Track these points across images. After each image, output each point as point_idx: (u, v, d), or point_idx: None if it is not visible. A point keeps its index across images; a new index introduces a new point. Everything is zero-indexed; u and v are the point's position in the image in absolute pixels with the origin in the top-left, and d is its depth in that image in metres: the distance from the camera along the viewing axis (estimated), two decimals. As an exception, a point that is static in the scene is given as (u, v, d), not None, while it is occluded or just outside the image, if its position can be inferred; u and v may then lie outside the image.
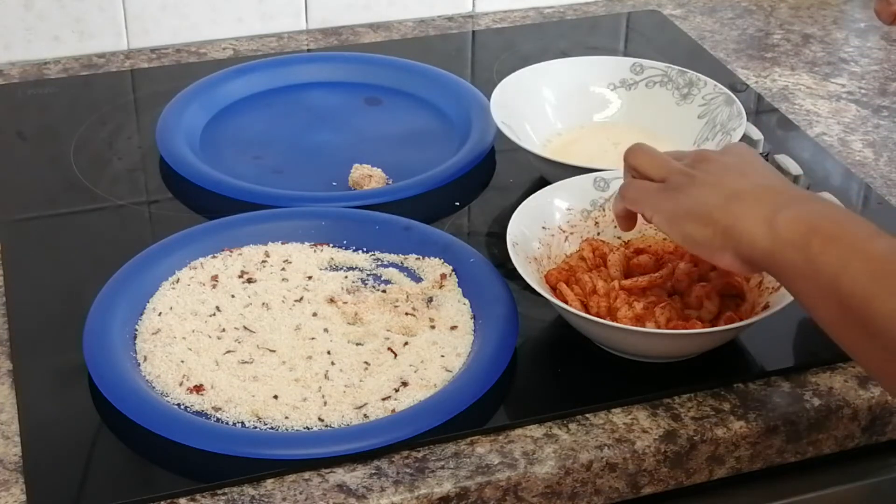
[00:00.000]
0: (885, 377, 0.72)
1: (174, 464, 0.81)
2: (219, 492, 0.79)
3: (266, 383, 0.86)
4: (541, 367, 0.90)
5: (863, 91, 1.28)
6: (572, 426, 0.85)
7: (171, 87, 1.24)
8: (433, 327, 0.91)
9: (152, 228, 1.06)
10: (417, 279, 0.97)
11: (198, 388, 0.85)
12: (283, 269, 0.97)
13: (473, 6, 1.45)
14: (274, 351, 0.89)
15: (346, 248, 1.00)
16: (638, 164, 0.86)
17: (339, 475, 0.80)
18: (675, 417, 0.86)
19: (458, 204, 1.09)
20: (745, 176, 0.81)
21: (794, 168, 1.06)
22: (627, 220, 0.89)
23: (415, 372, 0.87)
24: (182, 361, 0.87)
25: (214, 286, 0.95)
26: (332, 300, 0.94)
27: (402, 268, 0.98)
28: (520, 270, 0.89)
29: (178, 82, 1.24)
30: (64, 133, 1.18)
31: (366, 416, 0.84)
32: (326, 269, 0.98)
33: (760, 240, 0.76)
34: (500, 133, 1.09)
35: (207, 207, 1.06)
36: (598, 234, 0.98)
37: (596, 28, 1.44)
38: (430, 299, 0.94)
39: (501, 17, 1.45)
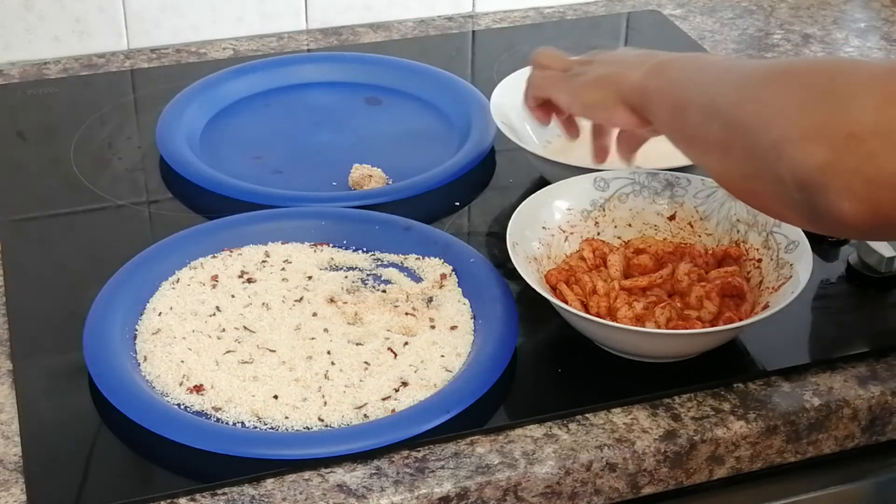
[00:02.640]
0: (720, 171, 0.82)
1: (174, 464, 0.81)
2: (219, 492, 0.79)
3: (266, 383, 0.86)
4: (541, 367, 0.90)
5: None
6: (572, 426, 0.85)
7: (171, 87, 1.24)
8: (433, 327, 0.91)
9: (152, 228, 1.06)
10: (417, 279, 0.97)
11: (198, 388, 0.85)
12: (283, 269, 0.97)
13: (473, 6, 1.45)
14: (274, 351, 0.89)
15: (346, 248, 1.00)
16: (543, 61, 1.01)
17: (339, 475, 0.80)
18: (675, 417, 0.86)
19: (458, 204, 1.09)
20: (633, 52, 0.96)
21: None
22: (540, 110, 1.01)
23: (415, 372, 0.87)
24: (182, 361, 0.87)
25: (214, 286, 0.95)
26: (332, 300, 0.94)
27: (402, 268, 0.98)
28: (520, 270, 0.89)
29: (178, 82, 1.24)
30: (64, 133, 1.18)
31: (366, 416, 0.84)
32: (326, 269, 0.98)
33: (635, 80, 0.91)
34: (500, 133, 1.09)
35: (207, 207, 1.06)
36: (598, 234, 0.98)
37: (596, 28, 1.44)
38: (430, 299, 0.94)
39: (501, 17, 1.45)
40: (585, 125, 1.05)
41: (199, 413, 0.84)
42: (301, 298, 0.94)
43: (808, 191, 0.72)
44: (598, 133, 1.04)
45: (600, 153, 1.03)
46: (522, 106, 1.04)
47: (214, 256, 0.98)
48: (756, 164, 0.77)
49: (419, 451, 0.82)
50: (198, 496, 0.79)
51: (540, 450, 0.83)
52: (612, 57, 0.97)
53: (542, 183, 1.03)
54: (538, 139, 1.12)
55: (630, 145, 1.01)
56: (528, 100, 1.02)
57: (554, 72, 1.00)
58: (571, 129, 1.04)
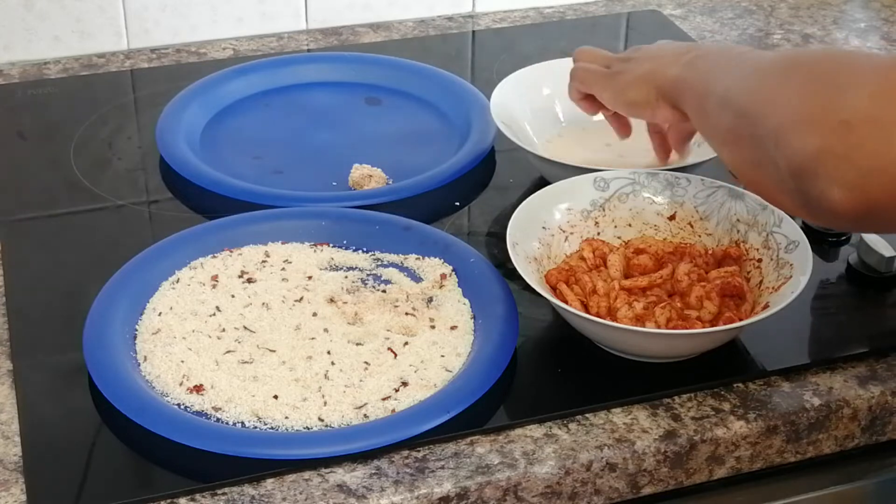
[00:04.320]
0: (732, 161, 0.84)
1: (174, 464, 0.81)
2: (219, 492, 0.79)
3: (266, 383, 0.86)
4: (541, 367, 0.90)
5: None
6: (572, 426, 0.85)
7: (171, 87, 1.24)
8: (433, 327, 0.91)
9: (152, 228, 1.06)
10: (417, 279, 0.97)
11: (198, 388, 0.85)
12: (283, 269, 0.97)
13: (473, 6, 1.45)
14: (274, 351, 0.89)
15: (346, 248, 1.00)
16: (584, 58, 1.03)
17: (339, 475, 0.80)
18: (675, 417, 0.86)
19: (458, 204, 1.09)
20: (672, 48, 0.97)
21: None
22: (586, 102, 1.03)
23: (415, 372, 0.87)
24: (182, 361, 0.87)
25: (214, 286, 0.95)
26: (332, 300, 0.94)
27: (402, 268, 0.98)
28: (520, 270, 0.89)
29: (178, 82, 1.24)
30: (64, 133, 1.18)
31: (366, 416, 0.84)
32: (326, 269, 0.98)
33: (672, 74, 0.92)
34: (500, 133, 1.09)
35: (207, 207, 1.06)
36: (598, 234, 0.98)
37: (596, 28, 1.44)
38: (430, 299, 0.94)
39: (501, 17, 1.45)
40: (581, 120, 1.06)
41: (199, 413, 0.84)
42: (301, 298, 0.94)
43: (801, 178, 0.73)
44: (654, 131, 1.05)
45: (661, 152, 1.05)
46: (569, 97, 1.05)
47: (214, 256, 0.98)
48: (759, 152, 0.78)
49: (419, 451, 0.82)
50: (198, 496, 0.79)
51: (540, 450, 0.83)
52: (651, 53, 0.98)
53: (542, 183, 1.03)
54: (538, 139, 1.12)
55: (681, 137, 1.02)
56: (573, 92, 1.04)
57: (597, 67, 1.02)
58: (622, 127, 1.06)
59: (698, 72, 0.90)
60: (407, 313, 0.92)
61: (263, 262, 0.98)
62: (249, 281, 0.96)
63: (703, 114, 0.88)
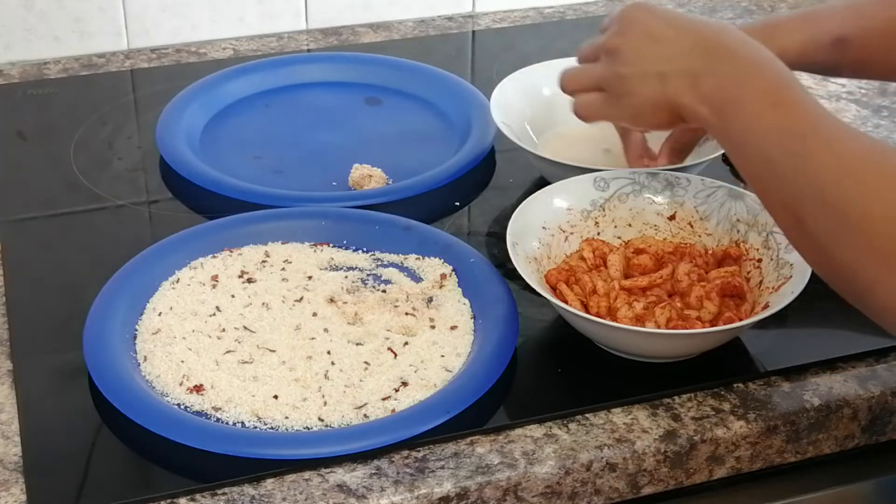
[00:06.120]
0: (792, 235, 0.80)
1: (174, 464, 0.81)
2: (219, 492, 0.79)
3: (266, 383, 0.86)
4: (541, 367, 0.90)
5: (863, 91, 1.28)
6: (572, 426, 0.85)
7: (171, 87, 1.24)
8: (433, 327, 0.91)
9: (152, 228, 1.06)
10: (417, 279, 0.97)
11: (198, 388, 0.85)
12: (283, 269, 0.97)
13: (473, 6, 1.45)
14: (274, 351, 0.89)
15: (346, 248, 1.00)
16: (573, 87, 0.96)
17: (339, 475, 0.80)
18: (675, 417, 0.86)
19: (458, 204, 1.09)
20: (658, 49, 0.88)
21: None
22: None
23: (415, 372, 0.87)
24: (182, 361, 0.87)
25: (214, 286, 0.95)
26: (332, 300, 0.94)
27: (402, 268, 0.98)
28: (520, 270, 0.89)
29: (178, 82, 1.24)
30: (64, 133, 1.18)
31: (366, 416, 0.84)
32: (326, 269, 0.98)
33: (691, 106, 0.85)
34: (500, 133, 1.09)
35: (207, 207, 1.06)
36: (598, 234, 0.98)
37: (596, 28, 1.43)
38: (430, 299, 0.94)
39: (501, 17, 1.45)
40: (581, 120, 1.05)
41: (199, 413, 0.84)
42: (301, 298, 0.94)
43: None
44: (624, 133, 1.02)
45: (641, 159, 1.02)
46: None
47: (214, 256, 0.98)
48: (842, 273, 0.76)
49: (419, 451, 0.82)
50: (198, 496, 0.79)
51: (540, 450, 0.83)
52: (643, 56, 0.89)
53: (542, 183, 1.03)
54: (538, 139, 1.12)
55: (683, 144, 1.01)
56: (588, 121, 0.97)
57: (594, 97, 0.93)
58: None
59: (736, 130, 0.81)
60: (407, 313, 0.92)
61: (263, 262, 0.98)
62: (249, 281, 0.96)
63: (752, 178, 0.81)
